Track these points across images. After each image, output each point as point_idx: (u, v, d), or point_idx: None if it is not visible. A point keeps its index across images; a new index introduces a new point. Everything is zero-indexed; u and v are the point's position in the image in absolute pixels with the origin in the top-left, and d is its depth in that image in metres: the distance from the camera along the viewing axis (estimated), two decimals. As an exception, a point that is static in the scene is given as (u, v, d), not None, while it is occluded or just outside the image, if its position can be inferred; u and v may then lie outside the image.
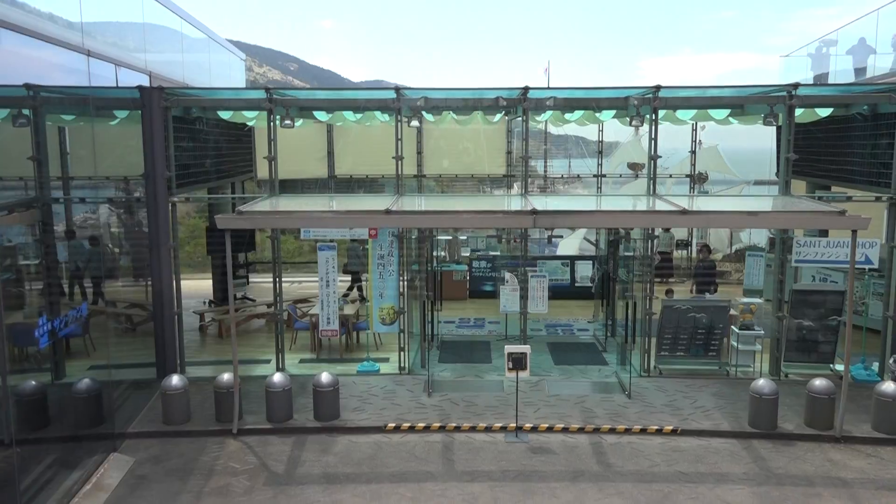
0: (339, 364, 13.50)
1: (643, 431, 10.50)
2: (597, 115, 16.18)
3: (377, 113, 15.85)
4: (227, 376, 10.75)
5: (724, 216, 10.06)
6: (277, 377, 10.80)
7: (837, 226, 9.88)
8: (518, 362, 10.26)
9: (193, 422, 10.81)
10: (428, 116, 16.90)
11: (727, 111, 15.27)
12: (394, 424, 10.67)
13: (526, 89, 12.17)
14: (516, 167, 20.11)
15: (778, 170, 20.23)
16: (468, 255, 20.58)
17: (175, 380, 10.73)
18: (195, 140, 13.94)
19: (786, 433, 10.39)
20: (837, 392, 10.42)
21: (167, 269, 12.26)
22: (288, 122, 12.57)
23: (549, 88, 12.34)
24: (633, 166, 22.42)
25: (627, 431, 10.51)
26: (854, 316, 13.30)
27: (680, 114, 15.44)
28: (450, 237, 21.60)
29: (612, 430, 10.52)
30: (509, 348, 10.32)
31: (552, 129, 34.86)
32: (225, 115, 15.15)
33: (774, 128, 19.48)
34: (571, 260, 19.20)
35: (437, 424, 10.66)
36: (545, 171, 26.67)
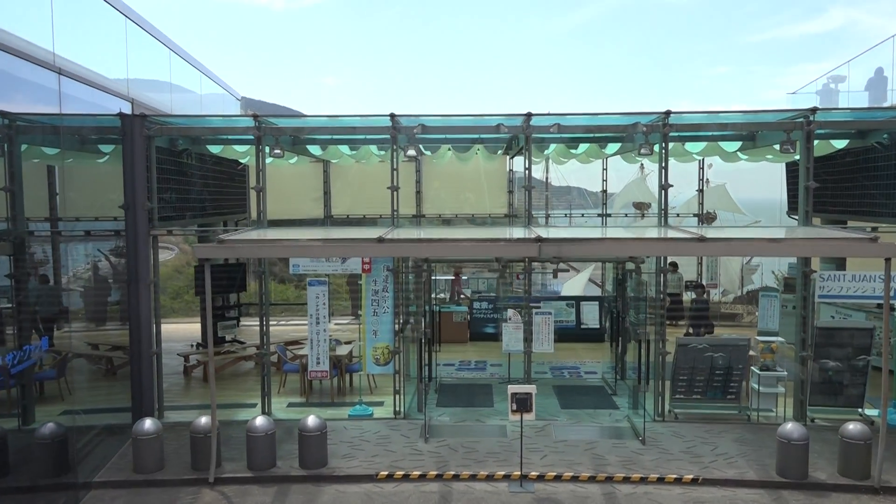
0: (329, 408, 12.58)
1: (661, 480, 9.54)
2: (602, 149, 15.67)
3: (373, 149, 15.35)
4: (204, 419, 9.86)
5: (744, 244, 9.29)
6: (260, 421, 9.90)
7: (869, 254, 9.10)
8: (522, 404, 9.38)
9: (167, 470, 9.87)
10: (426, 152, 16.38)
11: (738, 144, 14.71)
12: (386, 472, 9.72)
13: (529, 115, 11.56)
14: (518, 213, 19.56)
15: (790, 209, 19.64)
16: (469, 296, 19.80)
17: (147, 424, 9.83)
18: (182, 174, 13.31)
19: (818, 483, 9.42)
20: (873, 438, 9.50)
21: (146, 306, 11.47)
22: (277, 151, 11.96)
23: (552, 115, 11.70)
24: (640, 206, 21.80)
25: (643, 480, 9.55)
26: (879, 357, 12.46)
27: (689, 146, 14.91)
28: (451, 277, 20.86)
29: (627, 479, 9.56)
30: (513, 388, 9.46)
31: (553, 181, 34.55)
32: (215, 149, 14.63)
33: (783, 168, 19.09)
34: (577, 301, 18.36)
35: (434, 472, 9.71)
36: (546, 221, 26.03)
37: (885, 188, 12.68)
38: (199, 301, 17.27)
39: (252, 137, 11.90)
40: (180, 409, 12.59)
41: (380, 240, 9.19)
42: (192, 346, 16.49)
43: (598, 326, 17.90)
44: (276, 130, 11.85)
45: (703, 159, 19.42)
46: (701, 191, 20.40)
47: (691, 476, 9.57)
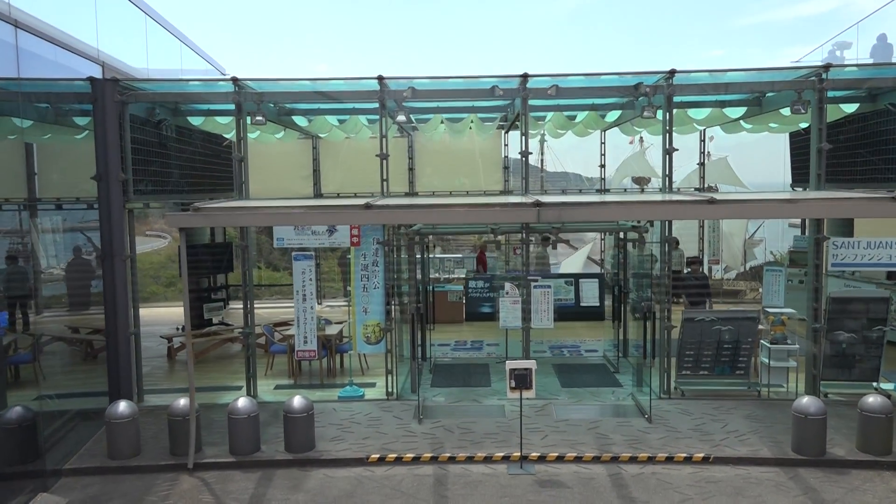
0: (318, 390, 11.98)
1: (669, 460, 8.97)
2: (602, 118, 15.01)
3: (363, 120, 14.67)
4: (182, 401, 9.25)
5: (757, 205, 8.67)
6: (242, 402, 9.29)
7: (890, 213, 8.48)
8: (521, 380, 8.78)
9: (144, 455, 9.26)
10: (416, 123, 15.70)
11: (742, 110, 14.07)
12: (378, 455, 9.13)
13: (525, 76, 10.90)
14: (513, 190, 18.88)
15: (794, 181, 19.03)
16: (464, 275, 19.19)
17: (122, 407, 9.20)
18: (162, 146, 12.61)
19: (837, 459, 8.86)
20: (894, 411, 8.95)
21: (121, 283, 10.82)
22: (260, 118, 11.26)
23: (550, 76, 11.03)
24: (639, 181, 21.11)
25: (651, 460, 8.98)
26: (891, 331, 11.92)
27: (692, 113, 14.26)
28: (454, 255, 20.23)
29: (634, 459, 8.99)
30: (511, 363, 8.85)
31: (549, 166, 33.86)
32: (196, 121, 13.93)
33: (786, 140, 18.46)
34: (576, 278, 17.74)
35: (429, 455, 9.12)
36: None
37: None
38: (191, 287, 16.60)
39: (233, 106, 11.20)
40: (162, 392, 11.97)
41: (367, 206, 8.55)
42: (177, 328, 15.84)
43: (597, 304, 17.26)
44: (257, 96, 11.16)
45: (704, 131, 18.81)
46: (702, 164, 19.74)
47: (702, 455, 9.00)
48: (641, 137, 21.25)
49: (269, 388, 12.12)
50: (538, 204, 8.47)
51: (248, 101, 11.05)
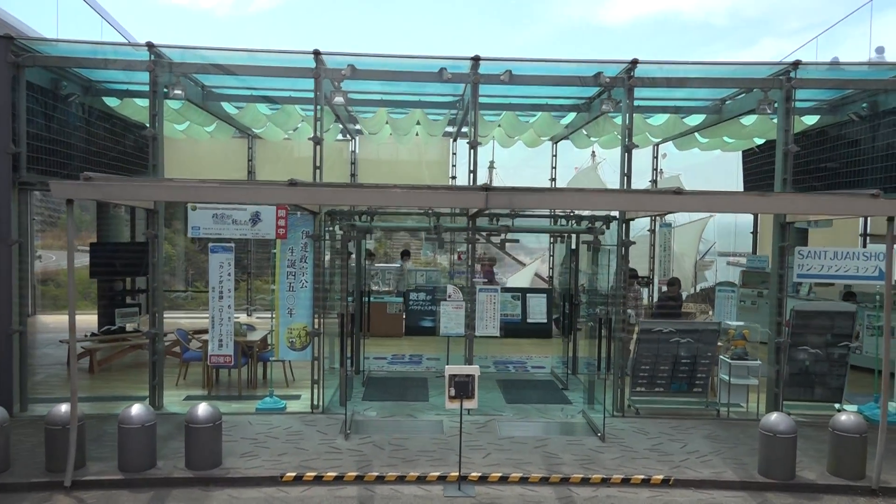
0: (235, 402, 10.65)
1: (626, 482, 7.96)
2: (557, 122, 14.23)
3: (297, 110, 13.53)
4: (63, 408, 7.84)
5: (728, 198, 7.83)
6: (136, 410, 7.92)
7: (872, 211, 7.77)
8: (463, 388, 7.68)
9: (13, 471, 7.78)
10: (360, 118, 14.64)
11: (702, 118, 13.49)
12: (294, 474, 7.86)
13: (476, 59, 9.97)
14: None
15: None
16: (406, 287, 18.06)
17: (-12, 412, 7.74)
18: (70, 124, 11.25)
19: (808, 483, 7.98)
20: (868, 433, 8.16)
21: (5, 273, 9.37)
22: (178, 91, 10.03)
23: (503, 60, 10.14)
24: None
25: (605, 482, 7.95)
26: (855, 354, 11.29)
27: (650, 120, 13.60)
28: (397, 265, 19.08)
29: (586, 481, 7.95)
30: (451, 369, 7.74)
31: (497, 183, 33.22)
32: (112, 102, 12.60)
33: (738, 158, 18.06)
34: (523, 293, 16.81)
35: (353, 474, 7.91)
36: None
37: (868, 162, 11.56)
38: (102, 289, 15.01)
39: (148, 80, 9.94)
40: (54, 401, 10.38)
41: (292, 183, 7.39)
42: (86, 335, 14.22)
43: (545, 321, 16.37)
44: (175, 66, 9.94)
45: (657, 147, 18.28)
46: (654, 182, 19.19)
47: (661, 476, 8.02)
48: (594, 152, 20.68)
49: (178, 398, 10.72)
50: (486, 188, 7.46)
51: (165, 71, 9.82)
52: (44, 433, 7.92)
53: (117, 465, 7.87)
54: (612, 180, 15.93)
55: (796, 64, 9.94)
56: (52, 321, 17.84)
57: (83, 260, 15.08)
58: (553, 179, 19.22)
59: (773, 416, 8.20)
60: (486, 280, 18.60)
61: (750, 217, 19.95)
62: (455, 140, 17.84)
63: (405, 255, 19.41)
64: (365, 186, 7.83)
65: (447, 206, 9.91)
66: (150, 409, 8.09)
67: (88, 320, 15.63)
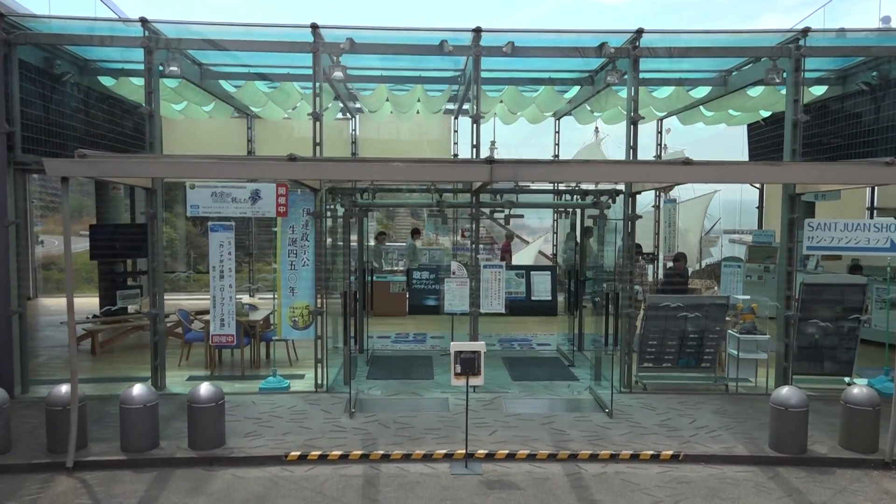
0: (239, 382, 10.55)
1: (635, 458, 7.86)
2: (560, 95, 14.00)
3: (296, 87, 13.30)
4: (64, 388, 7.74)
5: (739, 168, 7.64)
6: (137, 390, 7.81)
7: (886, 180, 7.56)
8: (468, 364, 7.56)
9: (15, 453, 7.70)
10: (360, 95, 14.41)
11: (707, 90, 13.24)
12: (298, 453, 7.77)
13: (478, 30, 9.74)
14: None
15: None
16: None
17: (-13, 394, 7.63)
18: (65, 104, 11.06)
19: (820, 457, 7.87)
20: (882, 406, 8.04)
21: (2, 253, 9.23)
22: (174, 68, 9.84)
23: (506, 31, 9.90)
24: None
25: (614, 458, 7.85)
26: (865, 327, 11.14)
27: (655, 93, 13.36)
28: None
29: (594, 457, 7.85)
30: (457, 345, 7.62)
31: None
32: (108, 82, 12.40)
33: (744, 132, 17.82)
34: (527, 270, 16.67)
35: (359, 452, 7.81)
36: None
37: (875, 133, 11.34)
38: (103, 271, 14.88)
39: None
40: (56, 383, 10.30)
41: (291, 158, 7.22)
42: (87, 317, 14.13)
43: (550, 298, 16.24)
44: (170, 42, 9.73)
45: (661, 122, 18.01)
46: (658, 157, 18.95)
47: (670, 452, 7.92)
48: (597, 128, 20.43)
49: (181, 379, 10.63)
50: (490, 161, 7.28)
51: (160, 47, 9.61)
52: (45, 414, 7.83)
53: (119, 446, 7.79)
54: (617, 156, 15.77)
55: (805, 31, 9.70)
56: (53, 304, 17.75)
57: (85, 245, 14.95)
58: (556, 156, 19.02)
59: (785, 390, 8.07)
60: (504, 256, 18.49)
61: (755, 194, 19.75)
62: (456, 117, 17.62)
63: (415, 233, 19.24)
64: (366, 160, 7.67)
65: (451, 179, 9.73)
66: (152, 389, 7.98)
67: (91, 303, 15.54)
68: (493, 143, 28.29)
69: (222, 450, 7.82)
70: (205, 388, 7.88)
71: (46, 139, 10.27)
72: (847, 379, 10.46)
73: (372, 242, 17.61)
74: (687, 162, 7.35)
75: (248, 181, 9.46)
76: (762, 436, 8.31)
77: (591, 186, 10.87)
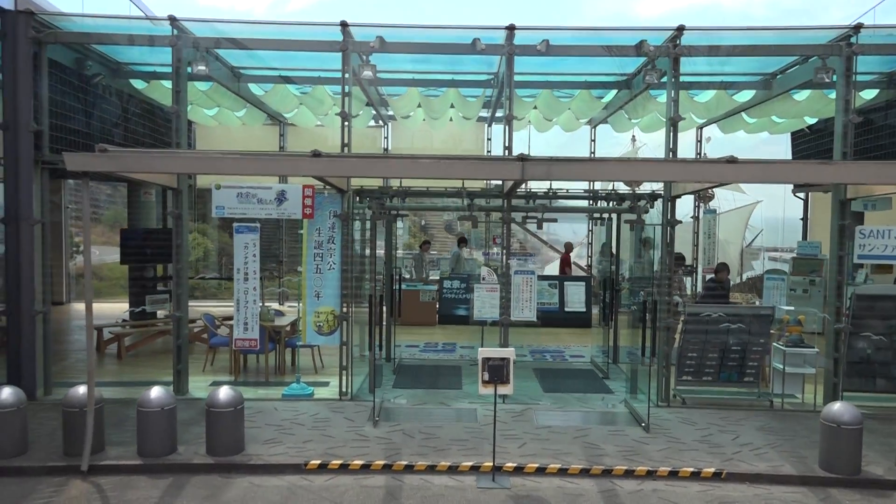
0: (262, 388, 10.32)
1: (673, 475, 7.38)
2: (597, 99, 13.60)
3: (328, 91, 13.12)
4: (82, 390, 7.55)
5: (788, 167, 7.19)
6: (155, 393, 7.58)
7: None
8: (497, 372, 7.18)
9: (31, 455, 7.52)
10: (391, 99, 14.17)
11: (750, 94, 12.74)
12: (319, 461, 7.46)
13: (511, 28, 9.44)
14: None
15: (795, 186, 17.71)
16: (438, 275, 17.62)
17: (5, 394, 7.47)
18: (94, 105, 11.03)
19: (875, 479, 7.31)
20: (942, 422, 7.46)
21: (27, 252, 9.14)
22: (202, 67, 9.70)
23: (540, 29, 9.58)
24: (631, 183, 19.71)
25: (651, 475, 7.39)
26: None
27: (696, 97, 12.90)
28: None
29: (630, 473, 7.39)
30: (485, 352, 7.25)
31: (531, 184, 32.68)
32: (139, 84, 12.37)
33: (788, 140, 17.20)
34: (560, 281, 16.23)
35: (381, 462, 7.47)
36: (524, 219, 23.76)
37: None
38: (133, 276, 14.84)
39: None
40: (79, 384, 10.20)
41: (315, 154, 6.97)
42: (116, 322, 14.07)
43: (584, 310, 15.79)
44: (198, 41, 9.60)
45: (700, 131, 17.48)
46: (698, 165, 18.39)
47: (712, 469, 7.43)
48: (634, 136, 19.97)
49: (205, 384, 10.42)
50: (522, 158, 6.94)
51: (188, 45, 9.49)
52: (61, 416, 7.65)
53: (136, 450, 7.56)
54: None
55: (858, 27, 9.20)
56: (83, 308, 17.75)
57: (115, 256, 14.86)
58: (593, 153, 18.55)
59: (837, 406, 7.54)
60: (565, 269, 18.00)
61: (798, 210, 19.04)
62: (490, 125, 17.33)
63: (462, 241, 18.79)
64: (392, 156, 7.38)
65: (481, 177, 9.42)
66: (170, 393, 7.74)
67: (122, 308, 15.53)
68: (523, 154, 28.05)
69: (241, 456, 7.55)
70: (224, 392, 7.63)
71: (75, 140, 10.21)
72: (902, 397, 9.83)
73: (406, 250, 17.34)
74: (731, 160, 6.91)
75: (277, 180, 9.26)
76: (811, 455, 7.77)
77: (628, 190, 10.45)
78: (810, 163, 7.39)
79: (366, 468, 7.40)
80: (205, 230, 26.10)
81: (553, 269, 21.11)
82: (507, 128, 9.62)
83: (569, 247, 18.84)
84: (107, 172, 7.26)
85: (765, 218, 28.73)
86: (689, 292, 15.71)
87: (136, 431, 7.71)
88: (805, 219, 18.39)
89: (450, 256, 18.93)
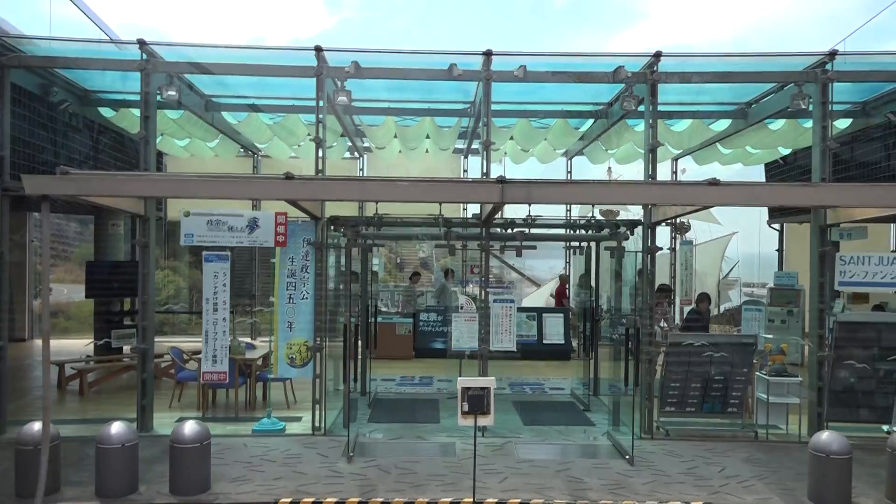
0: (231, 423, 9.89)
1: (661, 509, 7.11)
2: (574, 129, 13.58)
3: (302, 119, 12.92)
4: (37, 426, 7.12)
5: (771, 190, 7.09)
6: (116, 428, 7.17)
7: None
8: (477, 402, 6.89)
9: (-21, 497, 7.06)
10: (366, 128, 14.01)
11: (727, 123, 12.79)
12: (289, 500, 7.07)
13: (489, 53, 9.35)
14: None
15: (770, 216, 17.81)
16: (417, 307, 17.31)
17: (-47, 431, 7.03)
18: (60, 133, 10.73)
19: (867, 511, 7.11)
20: (931, 450, 7.28)
21: (-16, 282, 8.73)
22: (172, 92, 9.46)
23: (517, 55, 9.51)
24: (607, 213, 19.69)
25: (638, 509, 7.10)
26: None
27: (672, 126, 12.91)
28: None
29: (616, 508, 7.11)
30: (464, 381, 6.96)
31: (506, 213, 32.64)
32: (108, 113, 12.09)
33: (762, 172, 17.32)
34: (539, 313, 16.02)
35: (356, 499, 7.10)
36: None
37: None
38: (98, 310, 14.35)
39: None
40: (35, 421, 9.70)
41: (289, 176, 6.73)
42: (80, 357, 13.52)
43: (563, 342, 15.56)
44: (167, 65, 9.38)
45: (676, 162, 17.56)
46: (673, 199, 18.42)
47: (700, 502, 7.17)
48: (610, 167, 19.96)
49: (171, 420, 9.95)
50: (502, 181, 6.76)
51: (157, 70, 9.26)
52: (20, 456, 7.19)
53: (94, 491, 7.12)
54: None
55: (833, 54, 9.24)
56: (55, 345, 17.15)
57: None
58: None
59: (825, 435, 7.34)
60: (561, 301, 17.71)
61: (773, 245, 19.08)
62: (466, 157, 17.27)
63: (448, 273, 18.46)
64: (368, 179, 7.17)
65: (459, 200, 9.27)
66: (132, 428, 7.34)
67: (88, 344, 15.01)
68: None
69: (207, 495, 7.14)
70: (189, 427, 7.24)
71: (40, 169, 9.88)
72: (886, 427, 9.66)
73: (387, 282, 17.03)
74: (714, 182, 6.79)
75: (251, 207, 8.99)
76: (799, 486, 7.55)
77: (609, 210, 10.33)
78: (794, 185, 7.32)
79: (339, 506, 7.03)
80: (177, 267, 25.56)
81: (530, 300, 20.92)
82: (484, 153, 9.47)
83: (563, 279, 18.65)
84: (68, 197, 6.94)
85: (740, 253, 28.90)
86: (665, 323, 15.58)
87: (94, 470, 7.27)
88: (780, 250, 18.44)
89: (434, 288, 18.67)
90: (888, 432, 9.33)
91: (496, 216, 8.94)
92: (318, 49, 9.19)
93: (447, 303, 16.71)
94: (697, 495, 7.36)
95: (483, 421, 6.93)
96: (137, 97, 9.99)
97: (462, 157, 17.36)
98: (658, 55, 9.26)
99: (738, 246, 23.57)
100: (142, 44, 9.09)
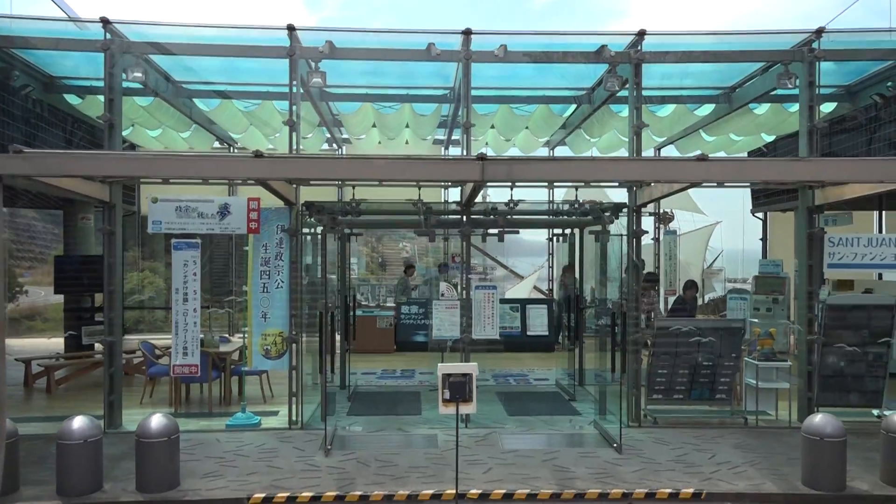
0: (204, 419, 9.52)
1: (651, 497, 6.85)
2: (557, 115, 13.30)
3: (276, 106, 12.53)
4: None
5: (759, 165, 6.85)
6: (78, 423, 6.80)
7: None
8: (458, 389, 6.58)
9: (-68, 498, 6.65)
10: (343, 115, 13.62)
11: (710, 108, 12.58)
12: (263, 495, 6.73)
13: (468, 32, 9.04)
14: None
15: (754, 205, 17.66)
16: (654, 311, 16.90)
17: None
18: (22, 119, 10.27)
19: (861, 494, 6.89)
20: (926, 432, 7.08)
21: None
22: (138, 74, 9.05)
23: (498, 34, 9.22)
24: (591, 203, 19.44)
25: (626, 497, 6.84)
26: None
27: (656, 111, 12.67)
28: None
29: (604, 497, 6.83)
30: (445, 367, 6.65)
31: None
32: (74, 100, 11.65)
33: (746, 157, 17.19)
34: (522, 304, 15.74)
35: (333, 493, 6.78)
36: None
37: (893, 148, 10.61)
38: (68, 306, 13.89)
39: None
40: (0, 423, 9.27)
41: (258, 154, 6.38)
42: (50, 356, 13.05)
43: (546, 334, 15.29)
44: (132, 46, 8.98)
45: (658, 151, 17.36)
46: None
47: (691, 490, 6.92)
48: (593, 157, 19.74)
49: (141, 417, 9.54)
50: (483, 158, 6.45)
51: (122, 50, 8.86)
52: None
53: (56, 489, 6.74)
54: (613, 191, 14.89)
55: (820, 31, 9.03)
56: (17, 344, 16.66)
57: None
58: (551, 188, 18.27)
59: (818, 418, 7.12)
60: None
61: (757, 243, 18.95)
62: (447, 148, 16.94)
63: (409, 268, 18.22)
64: (343, 158, 6.84)
65: (438, 178, 8.93)
66: (96, 423, 6.96)
67: (59, 342, 14.57)
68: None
69: (175, 492, 6.78)
70: (156, 421, 6.88)
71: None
72: (876, 411, 9.50)
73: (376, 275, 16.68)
74: (702, 158, 6.54)
75: (227, 192, 8.61)
76: (792, 472, 7.33)
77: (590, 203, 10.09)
78: (785, 160, 7.10)
79: (315, 500, 6.70)
80: (156, 268, 25.00)
81: (512, 293, 20.64)
82: (465, 135, 9.17)
83: (569, 267, 18.34)
84: (24, 178, 6.55)
85: (725, 249, 28.82)
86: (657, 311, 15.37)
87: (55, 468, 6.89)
88: (764, 239, 18.31)
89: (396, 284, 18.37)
90: (878, 416, 9.18)
91: (477, 198, 8.62)
92: (291, 28, 8.84)
93: (408, 298, 16.41)
94: (689, 482, 7.11)
95: (465, 409, 6.62)
96: (100, 83, 9.60)
97: (443, 147, 17.04)
98: (642, 33, 9.00)
99: (722, 240, 23.46)
100: (105, 22, 8.68)
